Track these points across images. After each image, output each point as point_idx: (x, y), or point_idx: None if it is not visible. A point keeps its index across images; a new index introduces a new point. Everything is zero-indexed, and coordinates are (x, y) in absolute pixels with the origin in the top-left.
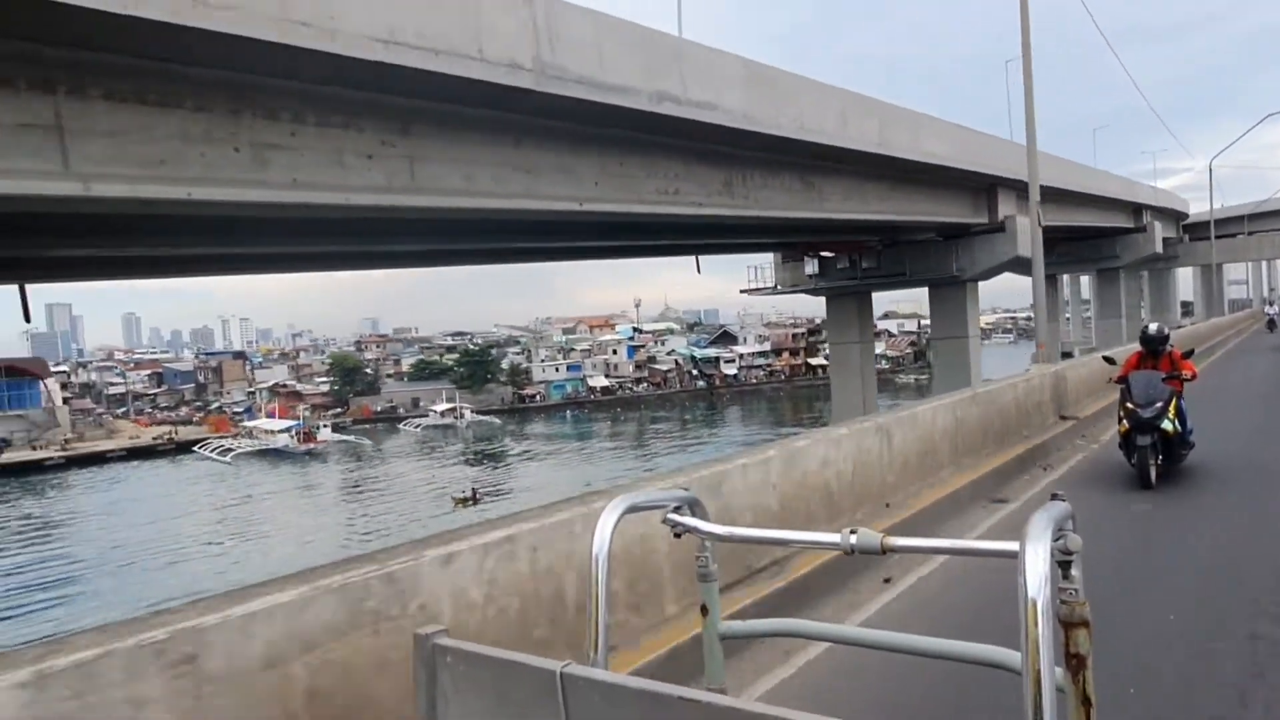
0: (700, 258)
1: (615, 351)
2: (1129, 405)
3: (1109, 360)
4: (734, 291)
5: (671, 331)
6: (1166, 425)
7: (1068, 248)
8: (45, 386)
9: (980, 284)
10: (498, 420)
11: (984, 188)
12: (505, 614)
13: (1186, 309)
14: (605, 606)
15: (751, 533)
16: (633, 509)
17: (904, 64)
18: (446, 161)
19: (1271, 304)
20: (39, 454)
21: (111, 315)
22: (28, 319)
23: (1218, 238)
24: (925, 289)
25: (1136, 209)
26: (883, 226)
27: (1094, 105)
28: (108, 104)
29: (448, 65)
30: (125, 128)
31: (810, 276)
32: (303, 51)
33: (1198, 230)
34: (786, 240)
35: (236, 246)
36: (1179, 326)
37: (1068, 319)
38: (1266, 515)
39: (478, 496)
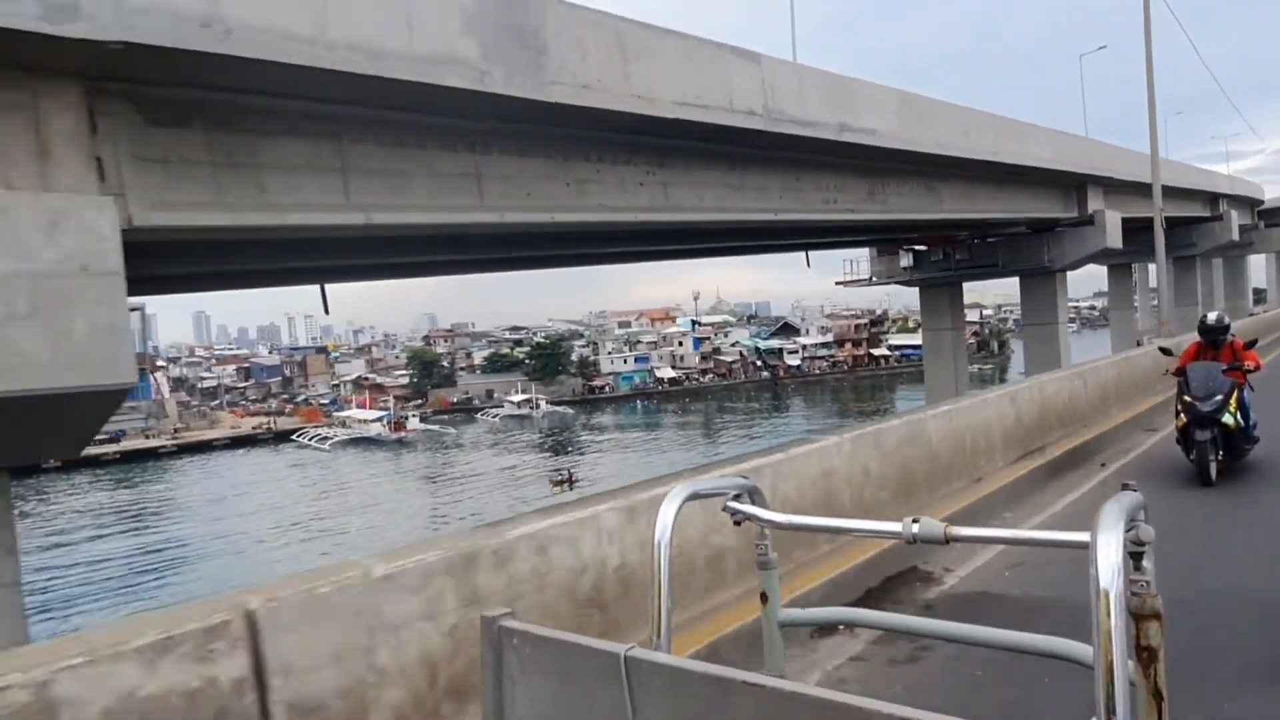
0: (807, 254)
1: (680, 344)
2: (1186, 398)
3: (1166, 351)
4: (783, 284)
5: (729, 324)
6: (1227, 419)
7: (1146, 237)
8: (155, 379)
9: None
10: (570, 410)
11: (1075, 185)
12: (572, 595)
13: (1259, 296)
14: (668, 592)
15: (811, 521)
16: (694, 496)
17: (957, 57)
18: (685, 185)
19: None
20: (153, 442)
21: (182, 313)
22: (326, 310)
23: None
24: (1015, 279)
25: (1213, 198)
26: (987, 222)
27: (1164, 85)
28: (502, 158)
29: (711, 116)
30: (511, 173)
31: (905, 269)
32: (627, 115)
33: (1272, 216)
34: (907, 236)
35: (458, 254)
36: (1251, 314)
37: (1137, 307)
38: None
39: (573, 479)
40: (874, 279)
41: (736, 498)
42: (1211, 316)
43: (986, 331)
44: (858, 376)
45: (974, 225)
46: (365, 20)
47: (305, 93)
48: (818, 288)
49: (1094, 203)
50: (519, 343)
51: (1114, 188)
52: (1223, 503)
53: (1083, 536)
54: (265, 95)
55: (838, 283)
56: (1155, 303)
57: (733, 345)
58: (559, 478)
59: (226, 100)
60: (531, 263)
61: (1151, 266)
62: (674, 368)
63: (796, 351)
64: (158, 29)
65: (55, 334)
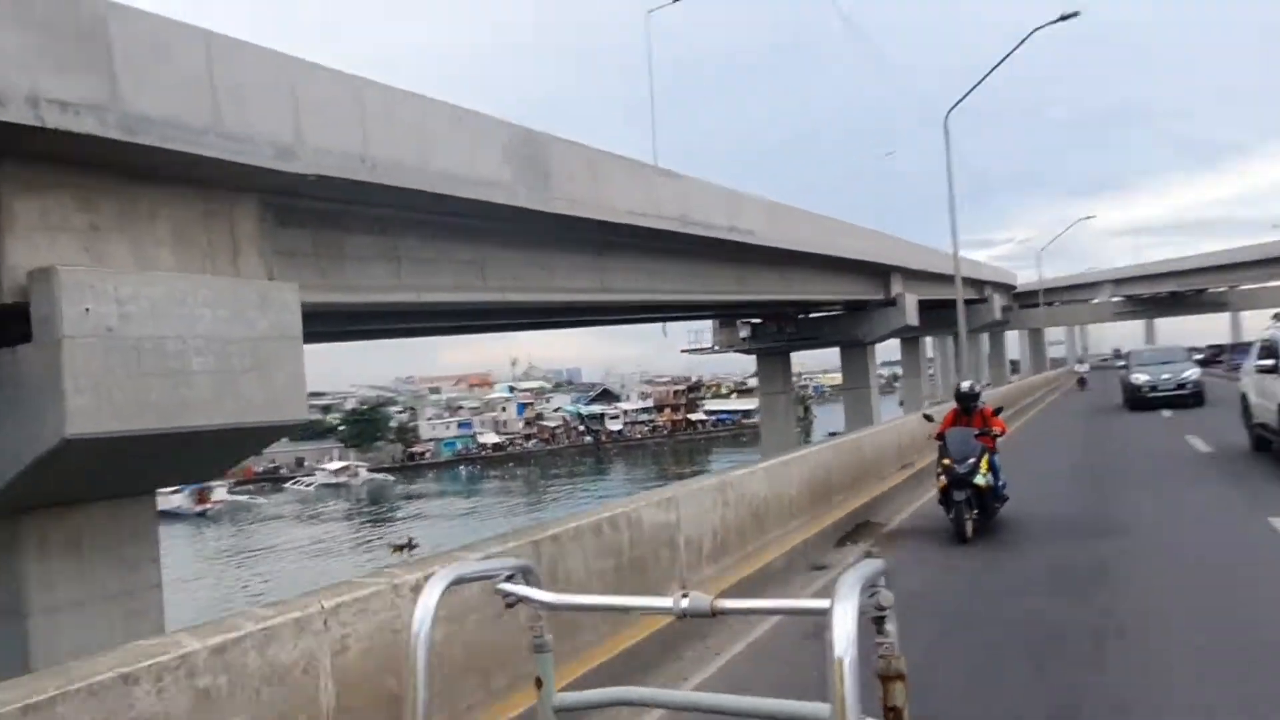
0: (664, 325)
1: (504, 409)
2: (946, 461)
3: (928, 418)
4: (594, 350)
5: (545, 389)
6: (980, 480)
7: (930, 315)
8: None
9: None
10: (391, 478)
11: (882, 273)
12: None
13: (1014, 367)
14: (425, 692)
15: (584, 600)
16: (460, 580)
17: (794, 143)
18: (620, 272)
19: (1081, 362)
20: None
21: None
22: None
23: (1038, 306)
24: (836, 349)
25: (980, 284)
26: (820, 302)
27: (926, 177)
28: (499, 250)
29: (648, 221)
30: (505, 261)
31: (744, 339)
32: (593, 220)
33: (1025, 299)
34: (763, 313)
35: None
36: (1009, 382)
37: (931, 375)
38: (1064, 567)
39: (413, 543)
40: (716, 347)
41: (509, 578)
42: (965, 385)
43: (798, 394)
44: (677, 440)
45: (812, 304)
46: (448, 155)
47: (390, 202)
48: (628, 353)
49: (896, 287)
50: (326, 409)
51: (911, 275)
52: (977, 556)
53: (824, 604)
54: (355, 204)
55: (683, 350)
56: (931, 372)
57: (555, 411)
58: (399, 542)
59: (324, 208)
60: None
61: (929, 340)
62: (498, 433)
63: (618, 417)
64: (337, 165)
65: (267, 383)
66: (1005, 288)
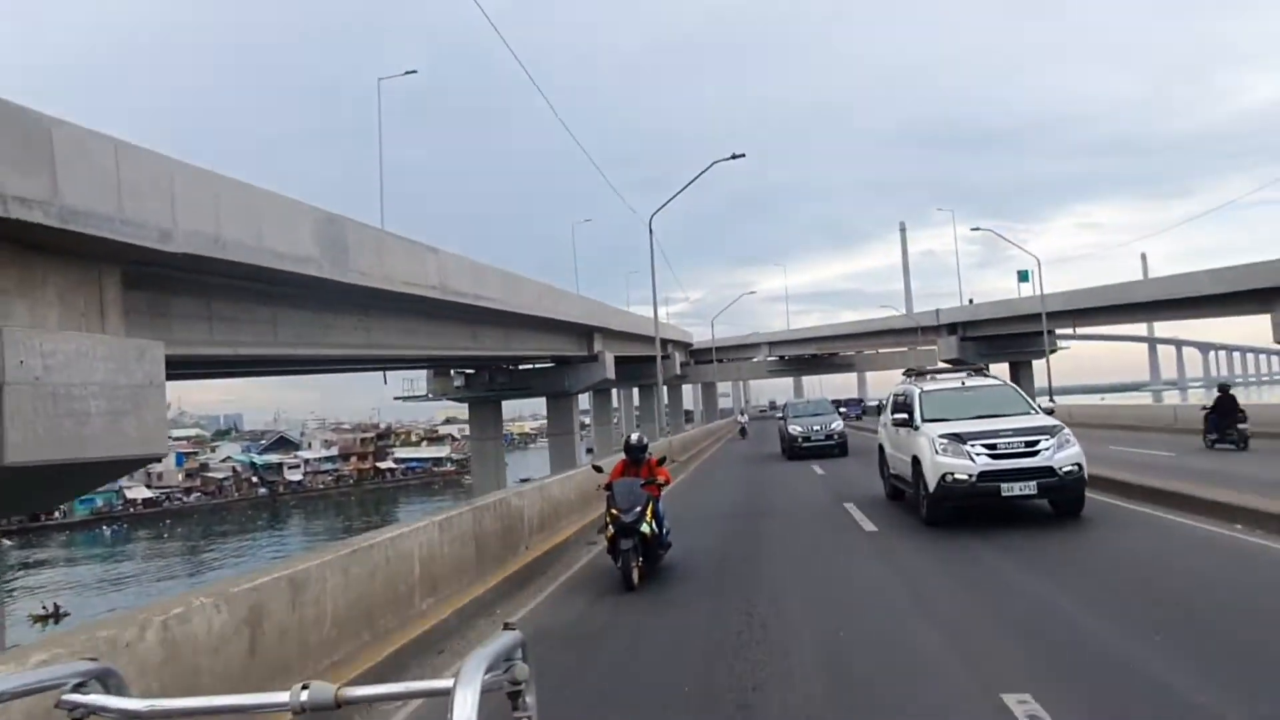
0: (385, 374)
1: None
2: (614, 511)
3: (598, 469)
4: (254, 395)
5: (203, 437)
6: (645, 529)
7: (624, 369)
8: None
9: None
10: (9, 542)
11: (586, 332)
12: None
13: (689, 416)
14: None
15: (180, 703)
16: None
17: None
18: (387, 330)
19: (743, 413)
20: None
21: None
22: None
23: (710, 362)
24: (544, 399)
25: (665, 342)
26: (538, 356)
27: (606, 237)
28: (294, 310)
29: (416, 290)
30: (297, 321)
31: (458, 387)
32: (361, 288)
33: (699, 355)
34: (483, 365)
35: None
36: (683, 431)
37: (617, 422)
38: (721, 609)
39: (60, 611)
40: (430, 395)
41: (79, 686)
42: (634, 437)
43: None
44: (364, 490)
45: (529, 359)
46: (276, 235)
47: (214, 270)
48: (296, 398)
49: (598, 345)
50: None
51: (611, 335)
52: (638, 602)
53: (447, 684)
54: (212, 275)
55: (396, 398)
56: (617, 419)
57: (223, 460)
58: (42, 612)
59: (158, 274)
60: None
61: (614, 391)
62: (149, 487)
63: (298, 466)
64: (201, 244)
65: (141, 422)
66: (685, 346)
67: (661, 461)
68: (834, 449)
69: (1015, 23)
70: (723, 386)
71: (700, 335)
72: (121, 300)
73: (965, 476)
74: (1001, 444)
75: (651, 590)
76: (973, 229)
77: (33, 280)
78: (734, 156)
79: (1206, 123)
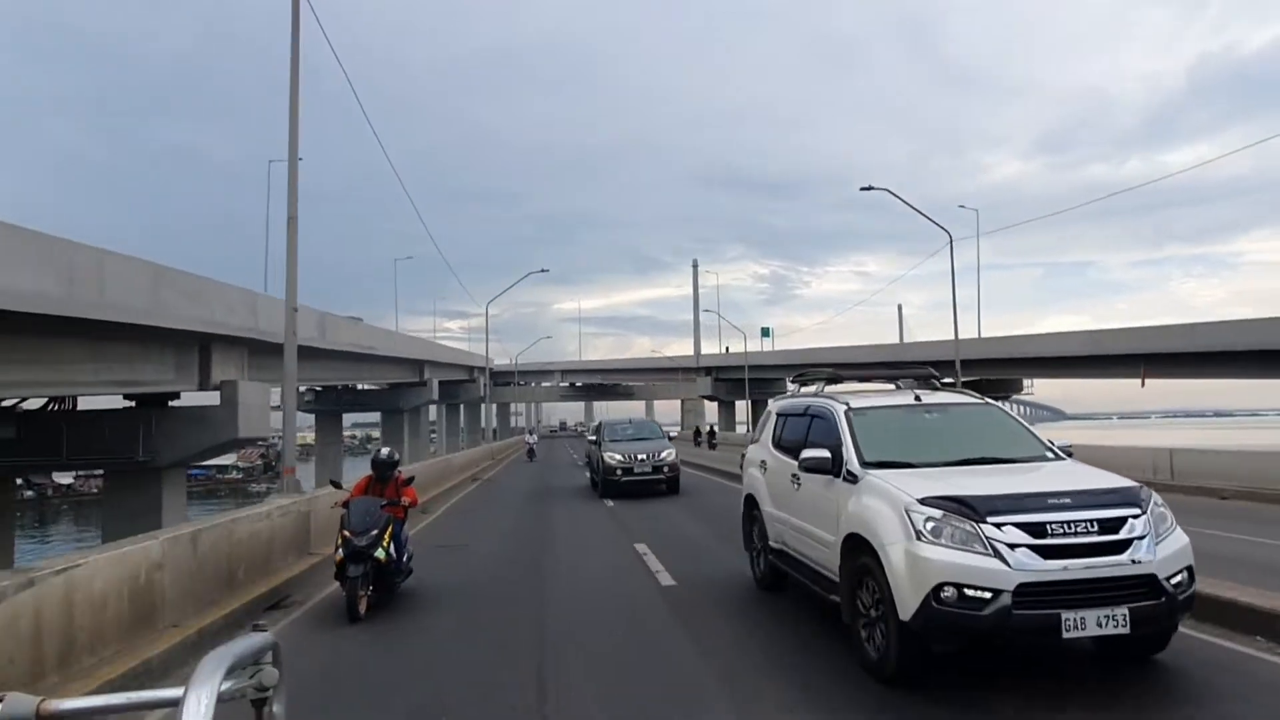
0: None
1: None
2: (345, 533)
3: (336, 485)
4: None
5: None
6: (380, 553)
7: (446, 390)
8: None
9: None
10: None
11: (419, 364)
12: None
13: (483, 434)
14: None
15: None
16: None
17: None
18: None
19: (531, 433)
20: None
21: None
22: None
23: (508, 384)
24: (378, 413)
25: (469, 369)
26: (392, 384)
27: (408, 250)
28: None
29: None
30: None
31: (308, 400)
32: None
33: (499, 378)
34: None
35: None
36: (475, 445)
37: (434, 437)
38: (464, 639)
39: None
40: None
41: None
42: (384, 452)
43: (272, 454)
44: None
45: (387, 386)
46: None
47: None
48: None
49: (428, 373)
50: None
51: (436, 365)
52: (360, 636)
53: (176, 693)
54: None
55: None
56: (434, 433)
57: None
58: None
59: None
60: None
61: (431, 407)
62: None
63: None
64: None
65: (262, 420)
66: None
67: (409, 481)
68: (662, 484)
69: (806, 82)
70: (517, 407)
71: (502, 361)
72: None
73: (988, 592)
74: (1055, 523)
75: (380, 622)
76: (759, 271)
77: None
78: (543, 270)
79: (959, 192)
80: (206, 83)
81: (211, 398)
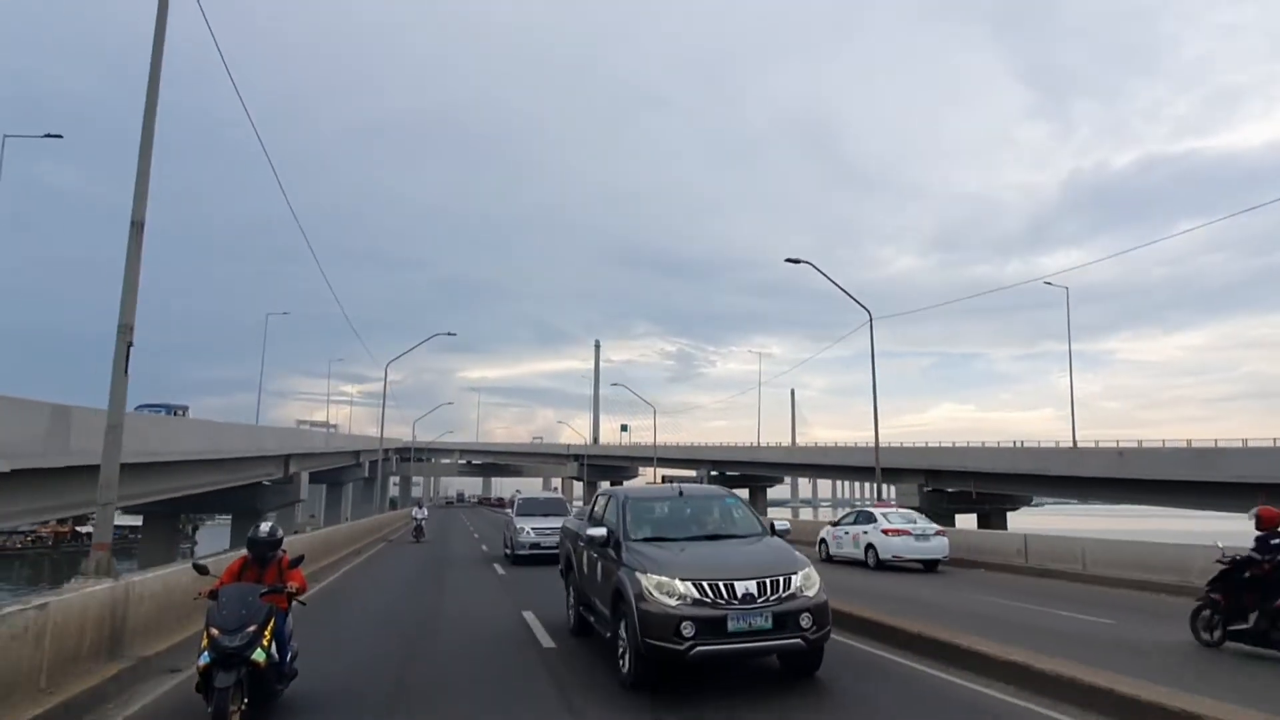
0: None
1: None
2: (213, 631)
3: (200, 569)
4: None
5: None
6: (259, 655)
7: (323, 477)
8: None
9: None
10: None
11: (282, 460)
12: None
13: (394, 503)
14: None
15: None
16: None
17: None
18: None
19: (420, 506)
20: None
21: None
22: None
23: (406, 460)
24: (231, 516)
25: (356, 453)
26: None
27: (315, 308)
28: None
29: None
30: None
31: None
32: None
33: (403, 453)
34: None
35: None
36: (388, 512)
37: (314, 516)
38: None
39: None
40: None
41: None
42: (265, 527)
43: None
44: (61, 551)
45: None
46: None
47: None
48: None
49: (294, 467)
50: None
51: (306, 457)
52: None
53: None
54: None
55: None
56: (314, 515)
57: None
58: None
59: None
60: None
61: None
62: None
63: None
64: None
65: None
66: (394, 449)
67: (297, 562)
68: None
69: (714, 171)
70: (416, 479)
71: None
72: None
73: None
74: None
75: None
76: (668, 345)
77: None
78: (449, 333)
79: (860, 281)
80: (100, 124)
81: None
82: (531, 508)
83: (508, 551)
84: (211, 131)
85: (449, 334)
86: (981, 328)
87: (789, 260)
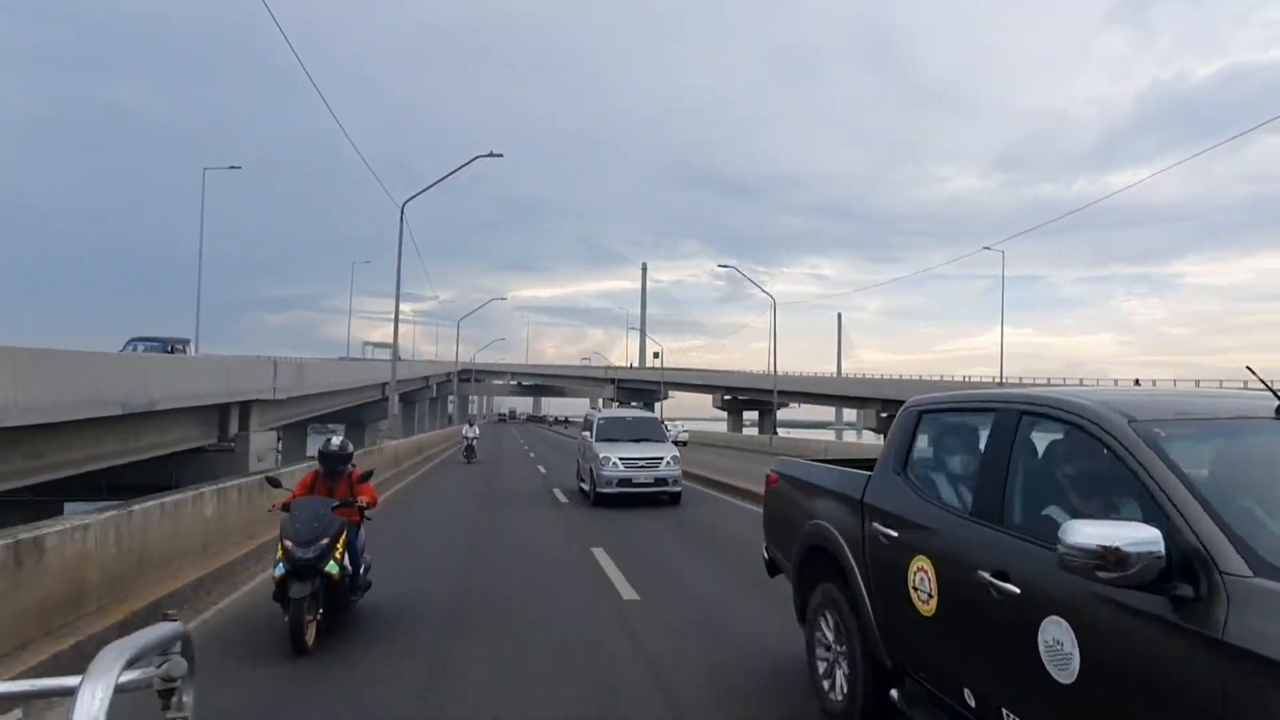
0: None
1: None
2: (287, 543)
3: (273, 482)
4: None
5: None
6: (332, 568)
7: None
8: None
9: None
10: None
11: (379, 386)
12: None
13: (450, 419)
14: None
15: None
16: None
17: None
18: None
19: (471, 424)
20: None
21: None
22: None
23: (468, 382)
24: (343, 426)
25: (426, 378)
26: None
27: (350, 224)
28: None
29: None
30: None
31: None
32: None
33: (460, 374)
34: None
35: None
36: (429, 431)
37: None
38: (441, 674)
39: None
40: None
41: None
42: (335, 442)
43: None
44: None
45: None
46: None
47: None
48: None
49: (387, 391)
50: None
51: (399, 383)
52: (309, 673)
53: (73, 681)
54: None
55: None
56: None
57: None
58: None
59: None
60: None
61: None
62: None
63: None
64: None
65: None
66: (451, 371)
67: (366, 477)
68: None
69: (767, 87)
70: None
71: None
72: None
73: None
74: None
75: (332, 653)
76: (719, 265)
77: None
78: (492, 154)
79: (915, 201)
80: (158, 41)
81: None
82: (617, 430)
83: (583, 486)
84: (265, 53)
85: (493, 154)
86: (1043, 249)
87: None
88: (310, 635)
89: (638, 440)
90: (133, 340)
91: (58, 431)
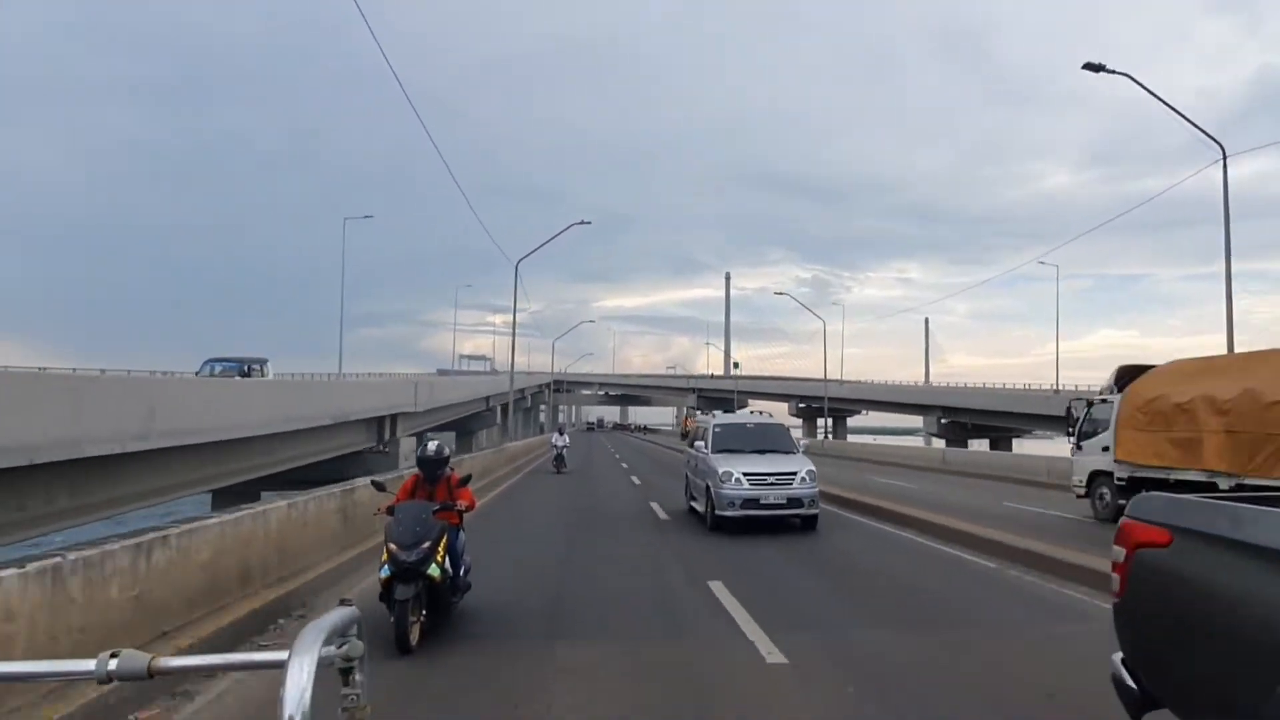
0: None
1: None
2: (391, 546)
3: (378, 485)
4: None
5: None
6: (434, 571)
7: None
8: None
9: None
10: None
11: (485, 397)
12: None
13: (542, 428)
14: None
15: None
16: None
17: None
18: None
19: (561, 432)
20: None
21: None
22: None
23: (559, 392)
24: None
25: (522, 390)
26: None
27: (452, 240)
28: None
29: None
30: None
31: None
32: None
33: (554, 384)
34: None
35: None
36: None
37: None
38: (543, 677)
39: None
40: None
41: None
42: (432, 446)
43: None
44: None
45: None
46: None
47: None
48: None
49: (493, 402)
50: None
51: (501, 395)
52: (415, 670)
53: (280, 656)
54: None
55: None
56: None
57: None
58: None
59: None
60: None
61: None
62: None
63: None
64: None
65: None
66: (545, 382)
67: (465, 481)
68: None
69: (848, 88)
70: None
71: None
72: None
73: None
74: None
75: (435, 653)
76: (800, 275)
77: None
78: (583, 222)
79: (1005, 202)
80: (256, 67)
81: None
82: (737, 439)
83: (694, 506)
84: (351, 73)
85: (583, 222)
86: (1142, 245)
87: (1088, 66)
88: (414, 636)
89: (763, 452)
90: (209, 361)
91: (297, 436)
